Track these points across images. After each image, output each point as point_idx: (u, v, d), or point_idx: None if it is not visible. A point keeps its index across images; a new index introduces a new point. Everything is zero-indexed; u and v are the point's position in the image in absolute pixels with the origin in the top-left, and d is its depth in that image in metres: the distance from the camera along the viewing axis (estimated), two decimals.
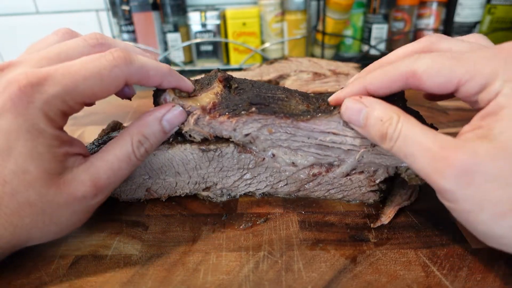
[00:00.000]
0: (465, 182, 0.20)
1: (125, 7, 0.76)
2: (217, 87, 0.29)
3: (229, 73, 0.31)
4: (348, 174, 0.31)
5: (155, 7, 0.76)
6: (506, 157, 0.19)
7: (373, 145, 0.28)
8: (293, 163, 0.30)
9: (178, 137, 0.30)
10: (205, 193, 0.33)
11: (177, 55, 0.80)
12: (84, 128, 0.51)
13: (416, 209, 0.31)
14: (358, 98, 0.26)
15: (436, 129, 0.30)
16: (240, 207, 0.33)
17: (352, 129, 0.27)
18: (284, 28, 0.78)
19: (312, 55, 0.82)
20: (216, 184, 0.33)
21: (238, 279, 0.25)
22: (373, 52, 0.77)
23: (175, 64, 0.81)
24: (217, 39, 0.78)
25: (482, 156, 0.19)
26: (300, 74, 0.59)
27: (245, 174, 0.32)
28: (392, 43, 0.78)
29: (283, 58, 0.65)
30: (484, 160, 0.19)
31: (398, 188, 0.32)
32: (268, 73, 0.60)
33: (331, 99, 0.28)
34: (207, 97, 0.28)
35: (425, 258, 0.26)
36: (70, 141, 0.25)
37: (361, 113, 0.25)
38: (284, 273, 0.25)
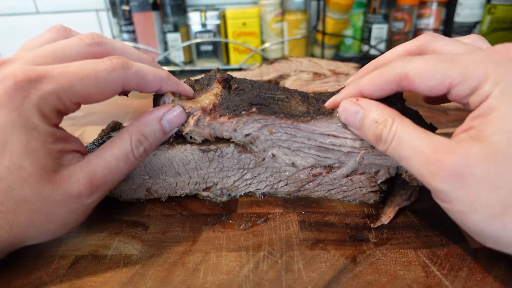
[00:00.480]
0: (458, 184, 0.20)
1: (125, 7, 0.76)
2: (217, 88, 0.29)
3: (229, 73, 0.31)
4: (348, 175, 0.31)
5: (155, 7, 0.76)
6: (497, 160, 0.19)
7: (373, 146, 0.28)
8: (293, 163, 0.30)
9: (179, 138, 0.30)
10: (205, 193, 0.33)
11: (177, 55, 0.80)
12: (84, 128, 0.51)
13: (416, 209, 0.31)
14: (355, 100, 0.26)
15: (435, 128, 0.30)
16: (240, 207, 0.33)
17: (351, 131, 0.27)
18: (284, 28, 0.78)
19: (312, 55, 0.82)
20: (216, 184, 0.33)
21: (238, 279, 0.25)
22: (373, 52, 0.77)
23: (175, 64, 0.81)
24: (217, 39, 0.78)
25: (473, 158, 0.20)
26: (300, 74, 0.59)
27: (245, 174, 0.32)
28: (392, 43, 0.78)
29: (283, 58, 0.65)
30: (475, 162, 0.20)
31: (398, 188, 0.32)
32: (268, 73, 0.60)
33: (328, 104, 0.29)
34: (207, 98, 0.28)
35: (425, 258, 0.26)
36: (66, 138, 0.25)
37: (357, 115, 0.26)
38: (284, 273, 0.25)
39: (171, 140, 0.30)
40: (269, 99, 0.29)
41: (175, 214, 0.32)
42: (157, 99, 0.29)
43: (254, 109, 0.28)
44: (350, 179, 0.31)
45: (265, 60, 0.77)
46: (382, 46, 0.76)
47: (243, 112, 0.28)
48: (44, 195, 0.23)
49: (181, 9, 0.77)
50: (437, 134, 0.32)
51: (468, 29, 0.76)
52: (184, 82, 0.30)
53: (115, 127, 0.36)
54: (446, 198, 0.21)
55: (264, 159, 0.31)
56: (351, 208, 0.32)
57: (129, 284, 0.25)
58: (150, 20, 0.76)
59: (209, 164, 0.31)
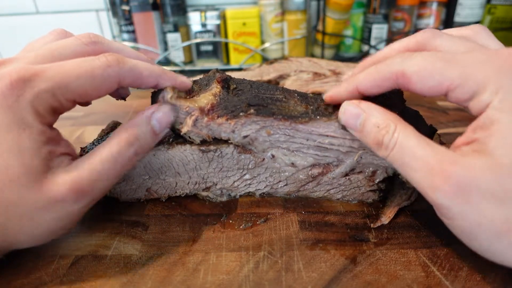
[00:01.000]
0: (462, 200, 0.19)
1: (125, 7, 0.76)
2: (216, 88, 0.29)
3: (229, 73, 0.31)
4: (347, 174, 0.31)
5: (155, 7, 0.76)
6: (502, 174, 0.19)
7: None
8: (292, 163, 0.30)
9: (178, 138, 0.30)
10: (205, 193, 0.33)
11: (177, 55, 0.80)
12: (84, 128, 0.51)
13: (416, 209, 0.31)
14: (357, 103, 0.25)
15: (436, 130, 0.30)
16: (240, 207, 0.33)
17: None
18: (284, 28, 0.78)
19: (312, 55, 0.82)
20: (216, 184, 0.33)
21: (238, 279, 0.25)
22: (373, 52, 0.77)
23: (175, 64, 0.81)
24: (217, 39, 0.78)
25: (478, 172, 0.19)
26: (300, 74, 0.59)
27: (244, 174, 0.32)
28: (392, 43, 0.78)
29: (283, 58, 0.65)
30: (480, 176, 0.19)
31: (398, 188, 0.32)
32: (268, 73, 0.60)
33: (326, 97, 0.28)
34: (205, 98, 0.28)
35: (425, 258, 0.26)
36: (58, 140, 0.25)
37: (358, 118, 0.25)
38: (284, 273, 0.25)
39: (170, 140, 0.30)
40: (267, 100, 0.29)
41: (175, 214, 0.32)
42: (156, 95, 0.29)
43: (252, 110, 0.28)
44: (349, 178, 0.31)
45: (265, 60, 0.77)
46: (382, 46, 0.76)
47: (241, 114, 0.28)
48: (29, 198, 0.22)
49: (181, 9, 0.78)
50: (438, 134, 0.32)
51: None
52: None
53: (115, 127, 0.36)
54: (449, 214, 0.20)
55: (263, 159, 0.31)
56: (351, 208, 0.32)
57: (129, 284, 0.25)
58: (150, 20, 0.76)
59: (209, 164, 0.31)
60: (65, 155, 0.25)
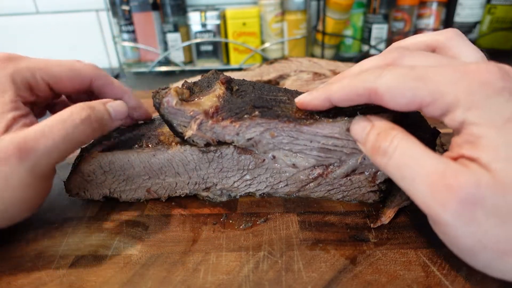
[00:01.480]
0: (468, 217, 0.19)
1: (125, 7, 0.76)
2: (219, 90, 0.29)
3: (229, 73, 0.31)
4: (348, 175, 0.31)
5: (155, 7, 0.76)
6: (505, 191, 0.18)
7: None
8: (293, 164, 0.30)
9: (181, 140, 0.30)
10: (205, 194, 0.33)
11: (177, 55, 0.80)
12: None
13: (416, 209, 0.31)
14: (368, 117, 0.25)
15: (439, 132, 0.30)
16: (240, 207, 0.33)
17: None
18: (284, 28, 0.78)
19: (312, 55, 0.82)
20: (216, 184, 0.33)
21: (238, 279, 0.25)
22: (373, 52, 0.77)
23: (175, 64, 0.81)
24: (217, 39, 0.78)
25: (485, 187, 0.18)
26: (300, 74, 0.59)
27: (245, 175, 0.32)
28: (392, 43, 0.78)
29: (283, 58, 0.65)
30: (486, 191, 0.18)
31: (398, 188, 0.32)
32: (268, 73, 0.60)
33: (297, 102, 0.28)
34: (209, 101, 0.28)
35: (425, 258, 0.26)
36: (26, 114, 0.27)
37: (365, 129, 0.25)
38: (284, 273, 0.25)
39: (170, 140, 0.30)
40: (271, 101, 0.29)
41: (175, 214, 0.32)
42: (158, 96, 0.28)
43: (256, 113, 0.27)
44: (350, 179, 0.31)
45: (265, 60, 0.78)
46: (382, 46, 0.76)
47: (245, 116, 0.27)
48: None
49: (181, 9, 0.78)
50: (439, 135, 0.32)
51: (468, 29, 0.76)
52: (182, 84, 0.30)
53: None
54: (451, 232, 0.20)
55: (264, 160, 0.31)
56: (351, 208, 0.32)
57: (129, 284, 0.25)
58: (150, 20, 0.77)
59: (209, 165, 0.31)
60: (27, 126, 0.26)
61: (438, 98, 0.20)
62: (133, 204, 0.33)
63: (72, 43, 0.89)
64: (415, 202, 0.21)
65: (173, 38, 0.78)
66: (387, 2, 0.73)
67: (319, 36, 0.78)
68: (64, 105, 0.36)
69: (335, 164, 0.30)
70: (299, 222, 0.30)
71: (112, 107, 0.29)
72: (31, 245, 0.29)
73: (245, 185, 0.33)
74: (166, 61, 0.82)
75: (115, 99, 0.32)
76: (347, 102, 0.24)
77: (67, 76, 0.30)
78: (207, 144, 0.29)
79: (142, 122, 0.35)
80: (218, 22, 0.77)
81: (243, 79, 0.32)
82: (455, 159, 0.21)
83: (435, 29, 0.76)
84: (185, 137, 0.29)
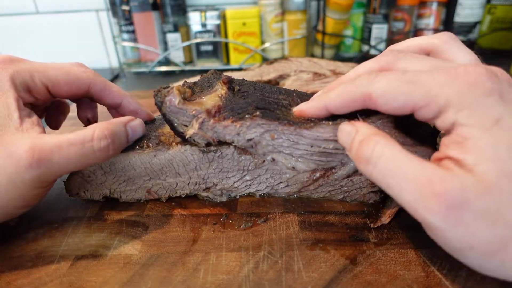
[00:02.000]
0: (455, 220, 0.19)
1: (125, 7, 0.76)
2: (221, 89, 0.29)
3: (229, 73, 0.31)
4: (349, 176, 0.31)
5: (155, 7, 0.76)
6: (491, 193, 0.18)
7: None
8: (293, 167, 0.30)
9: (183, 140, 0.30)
10: (205, 194, 0.33)
11: (177, 55, 0.80)
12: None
13: None
14: (353, 123, 0.25)
15: (438, 132, 0.30)
16: (240, 207, 0.33)
17: None
18: (284, 28, 0.78)
19: (312, 55, 0.82)
20: (216, 184, 0.33)
21: (238, 279, 0.25)
22: (373, 52, 0.77)
23: (175, 64, 0.81)
24: (217, 39, 0.78)
25: (470, 191, 0.18)
26: (300, 74, 0.59)
27: (245, 175, 0.32)
28: (392, 43, 0.78)
29: (283, 58, 0.65)
30: (471, 195, 0.18)
31: None
32: (268, 73, 0.60)
33: (295, 111, 0.29)
34: (211, 100, 0.28)
35: (425, 258, 0.26)
36: (29, 114, 0.28)
37: (350, 135, 0.24)
38: (284, 273, 0.25)
39: (171, 140, 0.30)
40: (273, 104, 0.29)
41: (175, 214, 0.32)
42: (160, 95, 0.28)
43: (258, 113, 0.27)
44: (351, 179, 0.31)
45: (265, 60, 0.78)
46: (382, 46, 0.77)
47: (246, 116, 0.27)
48: None
49: (181, 9, 0.78)
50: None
51: (468, 29, 0.76)
52: (182, 84, 0.30)
53: None
54: (441, 235, 0.20)
55: (264, 161, 0.31)
56: (351, 208, 0.32)
57: (129, 284, 0.25)
58: (150, 20, 0.77)
59: (209, 165, 0.31)
60: (37, 126, 0.27)
61: (430, 101, 0.21)
62: (133, 204, 0.33)
63: (72, 43, 0.89)
64: (404, 206, 0.21)
65: (173, 38, 0.78)
66: (387, 2, 0.73)
67: (319, 36, 0.78)
68: (62, 103, 0.36)
69: (337, 166, 0.30)
70: (299, 222, 0.30)
71: (131, 128, 0.29)
72: (31, 245, 0.29)
73: (245, 186, 0.33)
74: (166, 61, 0.82)
75: (115, 104, 0.34)
76: (344, 109, 0.25)
77: (64, 80, 0.30)
78: (208, 144, 0.29)
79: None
80: (218, 22, 0.77)
81: (243, 79, 0.32)
82: (440, 159, 0.21)
83: (435, 29, 0.76)
84: (186, 136, 0.29)
